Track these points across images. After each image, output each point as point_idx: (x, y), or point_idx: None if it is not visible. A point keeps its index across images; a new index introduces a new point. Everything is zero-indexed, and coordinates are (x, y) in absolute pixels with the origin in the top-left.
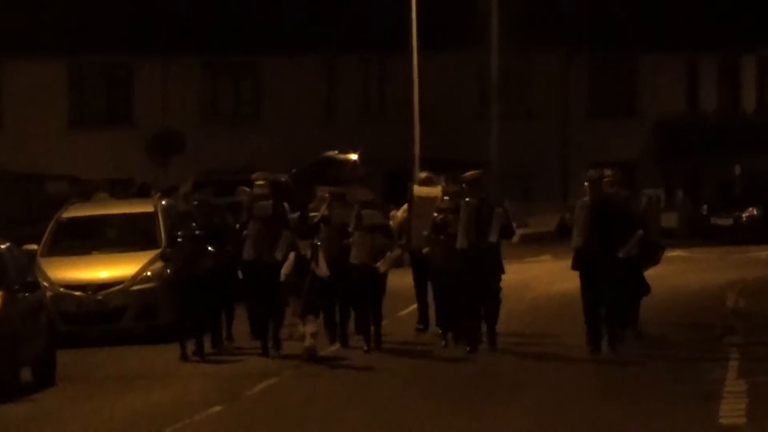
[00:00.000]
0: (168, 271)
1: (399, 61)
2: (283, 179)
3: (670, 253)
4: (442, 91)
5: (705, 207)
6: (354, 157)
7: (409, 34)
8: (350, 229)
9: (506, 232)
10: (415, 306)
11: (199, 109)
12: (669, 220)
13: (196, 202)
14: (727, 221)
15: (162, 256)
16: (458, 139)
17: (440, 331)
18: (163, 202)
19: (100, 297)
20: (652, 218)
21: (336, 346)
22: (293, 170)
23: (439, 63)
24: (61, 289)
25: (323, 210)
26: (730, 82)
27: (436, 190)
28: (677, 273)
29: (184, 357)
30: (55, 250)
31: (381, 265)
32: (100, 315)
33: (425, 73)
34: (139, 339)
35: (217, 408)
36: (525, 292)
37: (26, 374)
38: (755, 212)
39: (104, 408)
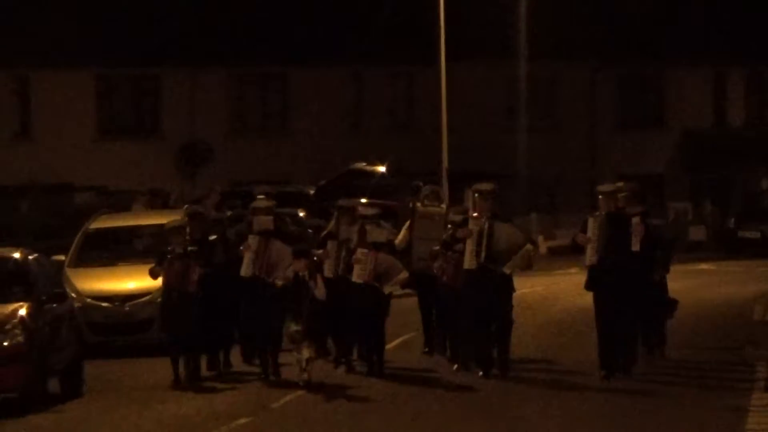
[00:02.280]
0: None
1: (427, 73)
2: (309, 191)
3: (697, 266)
4: (470, 103)
5: (732, 220)
6: (382, 168)
7: (437, 46)
8: (352, 246)
9: (524, 267)
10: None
11: (227, 120)
12: (697, 233)
13: (229, 212)
14: (755, 234)
15: (151, 273)
16: (486, 151)
17: (449, 357)
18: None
19: (127, 308)
20: (678, 232)
21: (340, 369)
22: (321, 181)
23: (466, 75)
24: (89, 300)
25: (330, 225)
26: (758, 94)
27: (440, 209)
28: (704, 286)
29: (176, 381)
30: (82, 260)
31: (387, 288)
32: (127, 326)
33: (453, 85)
34: (167, 350)
35: (243, 420)
36: (553, 304)
37: (54, 385)
38: None
39: (131, 419)
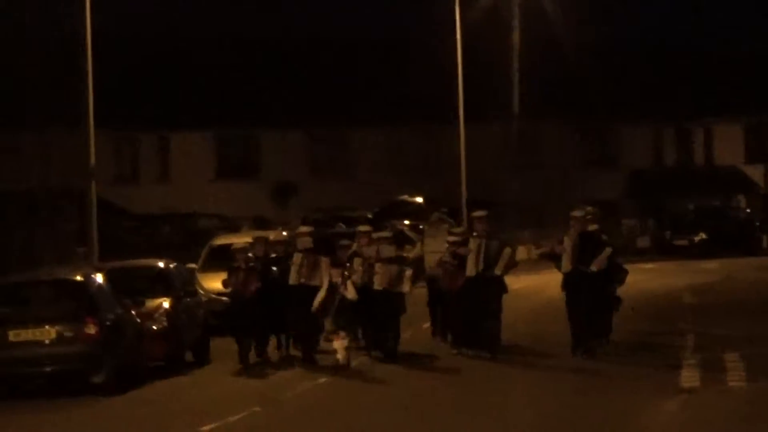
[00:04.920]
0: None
1: (447, 128)
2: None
3: (644, 266)
4: (478, 150)
5: (668, 232)
6: (419, 199)
7: (456, 109)
8: (373, 261)
9: (510, 267)
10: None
11: (307, 165)
12: (643, 242)
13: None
14: (684, 242)
15: (223, 283)
16: (490, 185)
17: (451, 343)
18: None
19: None
20: (629, 240)
21: (360, 358)
22: (375, 209)
23: (476, 130)
24: (213, 296)
25: (356, 246)
26: (685, 143)
27: (444, 231)
28: (648, 279)
29: (244, 366)
30: (208, 267)
31: (404, 287)
32: None
33: (466, 137)
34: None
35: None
36: (542, 293)
37: (188, 356)
38: (704, 236)
39: (245, 380)
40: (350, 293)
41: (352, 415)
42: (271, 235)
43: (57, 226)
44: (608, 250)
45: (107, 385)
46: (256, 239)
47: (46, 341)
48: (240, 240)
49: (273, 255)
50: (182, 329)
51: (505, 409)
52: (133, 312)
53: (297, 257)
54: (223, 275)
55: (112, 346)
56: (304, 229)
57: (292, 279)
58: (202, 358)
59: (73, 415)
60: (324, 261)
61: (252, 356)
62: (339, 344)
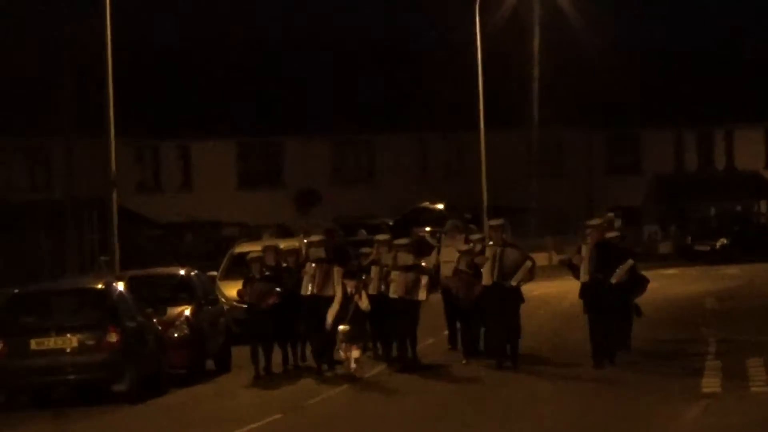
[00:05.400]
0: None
1: (470, 136)
2: (389, 223)
3: (665, 271)
4: (501, 158)
5: (690, 238)
6: (440, 206)
7: (478, 118)
8: (390, 269)
9: (527, 280)
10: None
11: (330, 173)
12: (665, 247)
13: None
14: (706, 248)
15: (238, 294)
16: (513, 191)
17: (463, 353)
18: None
19: None
20: (650, 247)
21: (378, 368)
22: (398, 216)
23: (497, 138)
24: (234, 303)
25: (374, 254)
26: (707, 148)
27: (460, 239)
28: (670, 285)
29: (257, 376)
30: (229, 275)
31: (421, 295)
32: None
33: (488, 145)
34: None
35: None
36: (563, 299)
37: (210, 364)
38: (725, 241)
39: (265, 389)
40: (364, 304)
41: (372, 424)
42: (284, 244)
43: (82, 235)
44: (630, 262)
45: (129, 393)
46: (266, 248)
47: (68, 350)
48: (259, 248)
49: (284, 264)
50: (203, 337)
51: (527, 417)
52: (154, 320)
53: (309, 267)
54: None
55: (133, 355)
56: (316, 238)
57: (304, 289)
58: (224, 366)
59: (95, 424)
60: (337, 271)
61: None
62: (352, 355)
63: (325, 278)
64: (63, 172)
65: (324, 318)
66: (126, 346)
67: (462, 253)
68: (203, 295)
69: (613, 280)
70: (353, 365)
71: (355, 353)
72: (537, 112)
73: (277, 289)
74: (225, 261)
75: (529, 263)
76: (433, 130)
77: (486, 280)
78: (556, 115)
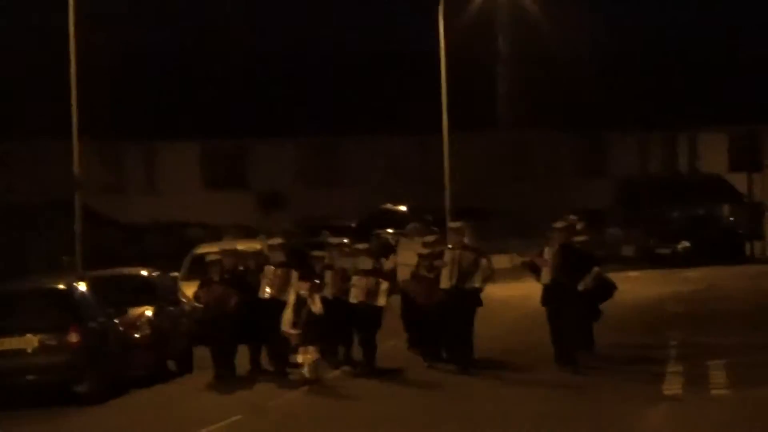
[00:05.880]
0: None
1: (434, 139)
2: (352, 225)
3: (628, 274)
4: (467, 159)
5: (652, 241)
6: (404, 208)
7: (441, 120)
8: (350, 274)
9: (488, 279)
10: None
11: (295, 175)
12: (627, 250)
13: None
14: (667, 251)
15: (194, 296)
16: (480, 194)
17: (423, 355)
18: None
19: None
20: (612, 250)
21: (337, 372)
22: (360, 218)
23: (464, 140)
24: (196, 304)
25: (328, 258)
26: (670, 152)
27: (419, 242)
28: (632, 288)
29: (218, 377)
30: (191, 276)
31: (380, 301)
32: None
33: (455, 147)
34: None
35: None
36: (526, 301)
37: (172, 364)
38: (687, 244)
39: (226, 390)
40: (317, 307)
41: (333, 427)
42: (245, 245)
43: (46, 236)
44: (595, 270)
45: (91, 394)
46: (224, 252)
47: (29, 350)
48: (218, 250)
49: (241, 268)
50: (165, 338)
51: (487, 421)
52: (116, 321)
53: (268, 270)
54: None
55: (95, 355)
56: (275, 241)
57: (262, 292)
58: (186, 367)
59: (56, 426)
60: (294, 275)
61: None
62: (306, 359)
63: (284, 282)
64: (26, 173)
65: (280, 322)
66: (88, 346)
67: (421, 256)
68: (165, 296)
69: (580, 287)
70: (305, 369)
71: (309, 357)
72: (503, 115)
73: (236, 293)
74: (186, 262)
75: (484, 261)
76: (399, 133)
77: (444, 283)
78: (523, 118)
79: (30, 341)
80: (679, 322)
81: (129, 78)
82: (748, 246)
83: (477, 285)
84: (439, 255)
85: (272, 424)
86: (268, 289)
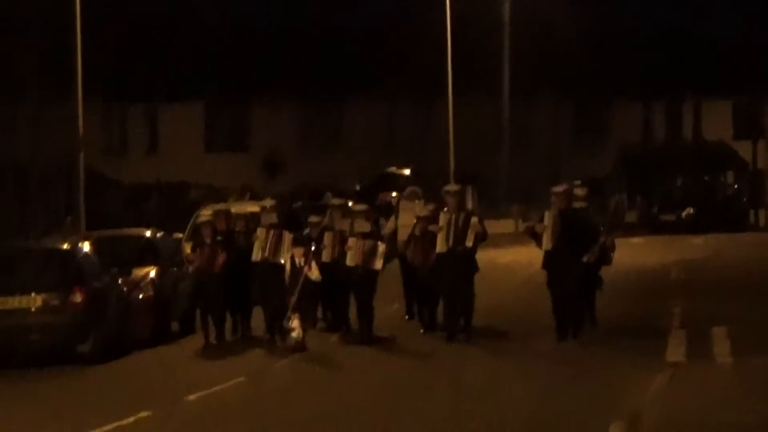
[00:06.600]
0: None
1: (439, 103)
2: (356, 188)
3: (632, 240)
4: (470, 125)
5: (656, 208)
6: (407, 172)
7: (446, 84)
8: (347, 236)
9: (481, 237)
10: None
11: (297, 139)
12: (631, 216)
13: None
14: (671, 218)
15: (186, 258)
16: (482, 159)
17: (420, 323)
18: (260, 204)
19: None
20: (619, 216)
21: (335, 337)
22: (363, 182)
23: (468, 106)
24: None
25: (326, 220)
26: (674, 120)
27: (417, 204)
28: (636, 255)
29: (206, 344)
30: (194, 237)
31: (377, 264)
32: None
33: (458, 112)
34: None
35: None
36: (529, 267)
37: (175, 326)
38: (691, 211)
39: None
40: (314, 274)
41: (328, 395)
42: (252, 207)
43: (48, 197)
44: (601, 241)
45: (93, 354)
46: (216, 213)
47: (32, 309)
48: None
49: (236, 229)
50: (168, 299)
51: (486, 391)
52: (119, 281)
53: (261, 232)
54: None
55: (98, 315)
56: (268, 203)
57: (255, 255)
58: (188, 329)
59: (58, 385)
60: (288, 237)
61: (212, 335)
62: (296, 324)
63: (277, 244)
64: (29, 134)
65: (275, 285)
66: (90, 306)
67: (419, 218)
68: (169, 257)
69: (585, 260)
70: (296, 334)
71: (298, 323)
72: (507, 81)
73: (223, 251)
74: (191, 223)
75: (474, 219)
76: (402, 97)
77: (440, 247)
78: (526, 85)
79: (33, 300)
80: (683, 290)
81: (133, 38)
82: (752, 213)
83: (469, 245)
84: (435, 219)
85: (276, 385)
86: (260, 252)
